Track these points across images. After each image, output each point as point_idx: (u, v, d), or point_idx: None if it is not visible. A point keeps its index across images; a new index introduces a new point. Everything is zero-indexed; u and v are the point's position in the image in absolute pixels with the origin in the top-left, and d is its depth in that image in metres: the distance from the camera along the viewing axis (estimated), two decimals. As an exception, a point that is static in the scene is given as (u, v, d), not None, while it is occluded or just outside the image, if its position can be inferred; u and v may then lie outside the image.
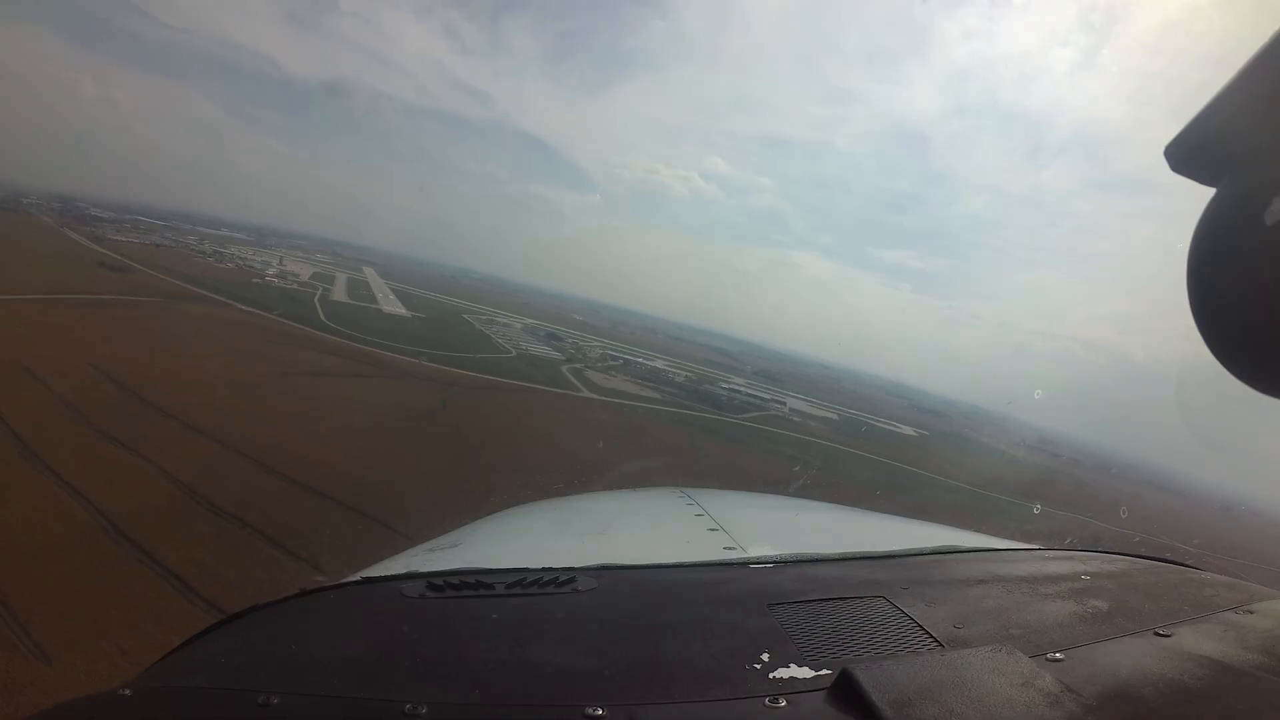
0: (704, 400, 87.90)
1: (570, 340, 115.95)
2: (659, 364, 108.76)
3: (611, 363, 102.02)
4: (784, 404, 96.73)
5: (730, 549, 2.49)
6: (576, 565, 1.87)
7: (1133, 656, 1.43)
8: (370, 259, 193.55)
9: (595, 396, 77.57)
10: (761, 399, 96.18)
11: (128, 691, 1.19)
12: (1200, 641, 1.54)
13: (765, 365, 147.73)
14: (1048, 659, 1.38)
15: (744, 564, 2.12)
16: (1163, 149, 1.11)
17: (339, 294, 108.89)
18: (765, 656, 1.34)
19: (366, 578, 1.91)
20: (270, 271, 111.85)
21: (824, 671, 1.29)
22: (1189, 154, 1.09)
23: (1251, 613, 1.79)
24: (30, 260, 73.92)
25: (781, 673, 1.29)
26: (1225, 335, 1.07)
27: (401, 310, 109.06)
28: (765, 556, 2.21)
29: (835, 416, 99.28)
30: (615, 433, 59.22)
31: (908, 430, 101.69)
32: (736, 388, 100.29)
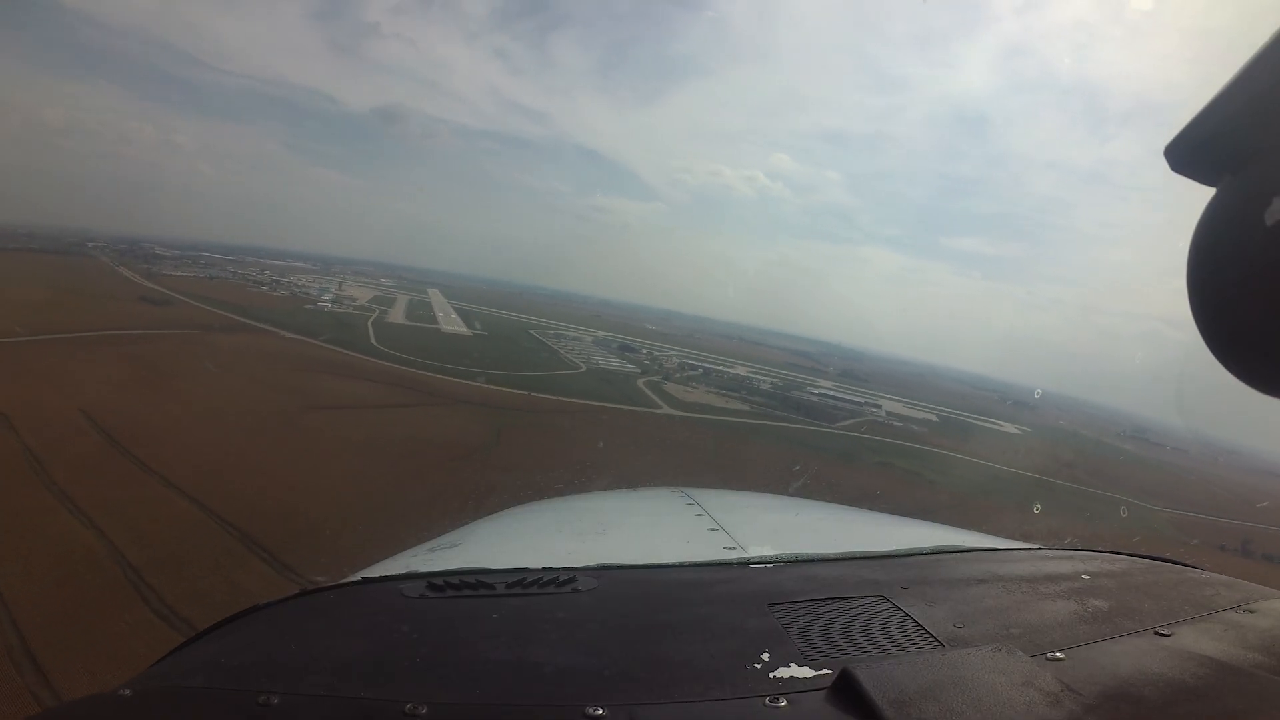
0: (796, 409, 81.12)
1: (645, 351, 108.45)
2: (740, 371, 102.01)
3: (691, 373, 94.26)
4: (879, 407, 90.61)
5: (730, 549, 2.46)
6: (576, 565, 1.85)
7: (1133, 656, 1.43)
8: (437, 281, 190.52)
9: (678, 413, 67.45)
10: (855, 403, 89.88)
11: (127, 691, 1.19)
12: (1200, 641, 1.53)
13: (847, 365, 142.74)
14: (1048, 658, 1.38)
15: (744, 564, 2.10)
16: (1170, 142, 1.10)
17: (396, 316, 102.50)
18: (765, 656, 1.34)
19: (366, 578, 1.89)
20: (326, 297, 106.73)
21: (824, 671, 1.28)
22: (1189, 154, 1.10)
23: (1251, 612, 1.78)
24: (67, 300, 69.26)
25: (781, 672, 1.28)
26: (1225, 335, 1.08)
27: (462, 329, 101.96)
28: (765, 556, 2.20)
29: (934, 418, 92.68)
30: (706, 458, 48.29)
31: (1010, 428, 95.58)
32: (826, 392, 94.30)
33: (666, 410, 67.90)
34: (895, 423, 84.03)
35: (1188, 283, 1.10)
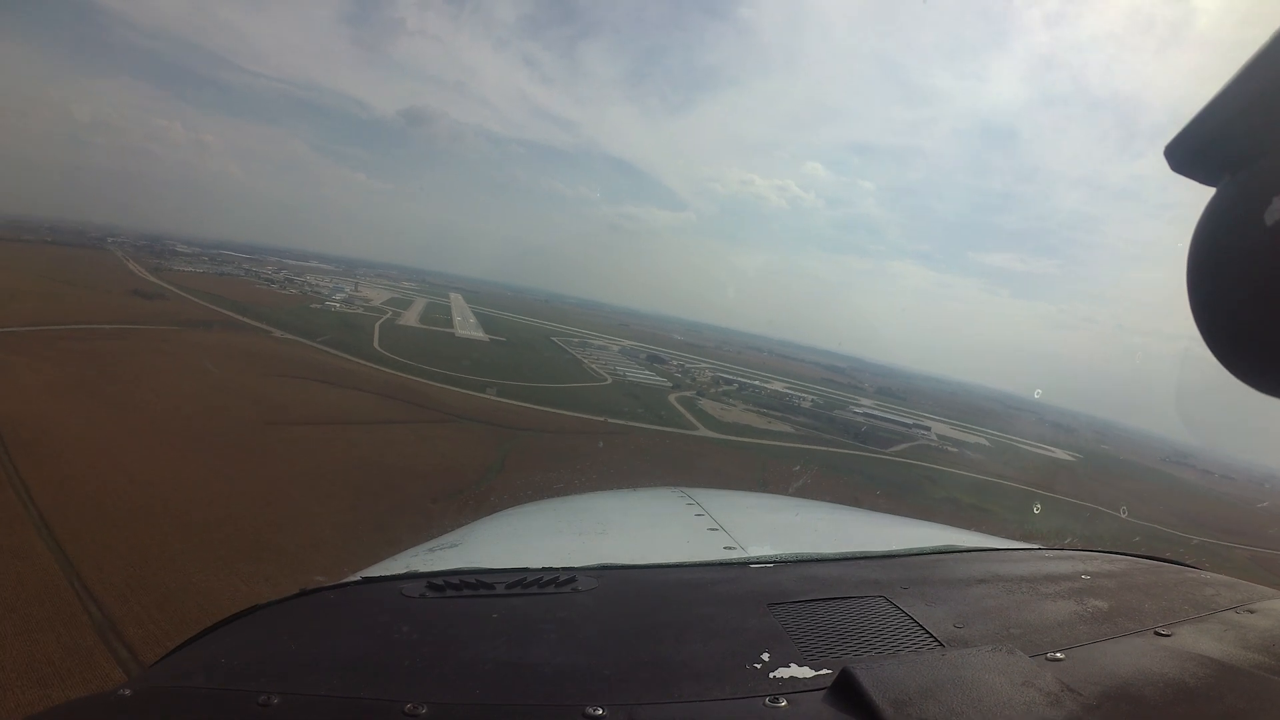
0: (842, 431, 75.38)
1: (675, 363, 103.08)
2: (778, 386, 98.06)
3: (726, 387, 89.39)
4: (928, 429, 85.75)
5: (730, 549, 2.46)
6: (576, 565, 1.86)
7: (1133, 656, 1.44)
8: (461, 286, 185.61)
9: (718, 435, 59.66)
10: (902, 424, 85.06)
11: (127, 692, 1.18)
12: (1200, 641, 1.54)
13: (883, 382, 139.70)
14: (1048, 658, 1.39)
15: (744, 564, 2.10)
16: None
17: (409, 319, 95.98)
18: (765, 656, 1.34)
19: (366, 578, 1.88)
20: (337, 297, 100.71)
21: (824, 671, 1.29)
22: (1189, 154, 1.10)
23: (1251, 612, 1.79)
24: (54, 290, 63.54)
25: (782, 672, 1.28)
26: (1225, 335, 1.07)
27: (479, 334, 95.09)
28: (765, 556, 2.20)
29: (986, 442, 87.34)
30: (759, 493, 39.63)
31: (1060, 454, 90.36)
32: (870, 412, 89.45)
33: (705, 432, 59.81)
34: (949, 448, 78.11)
35: (1188, 283, 1.10)
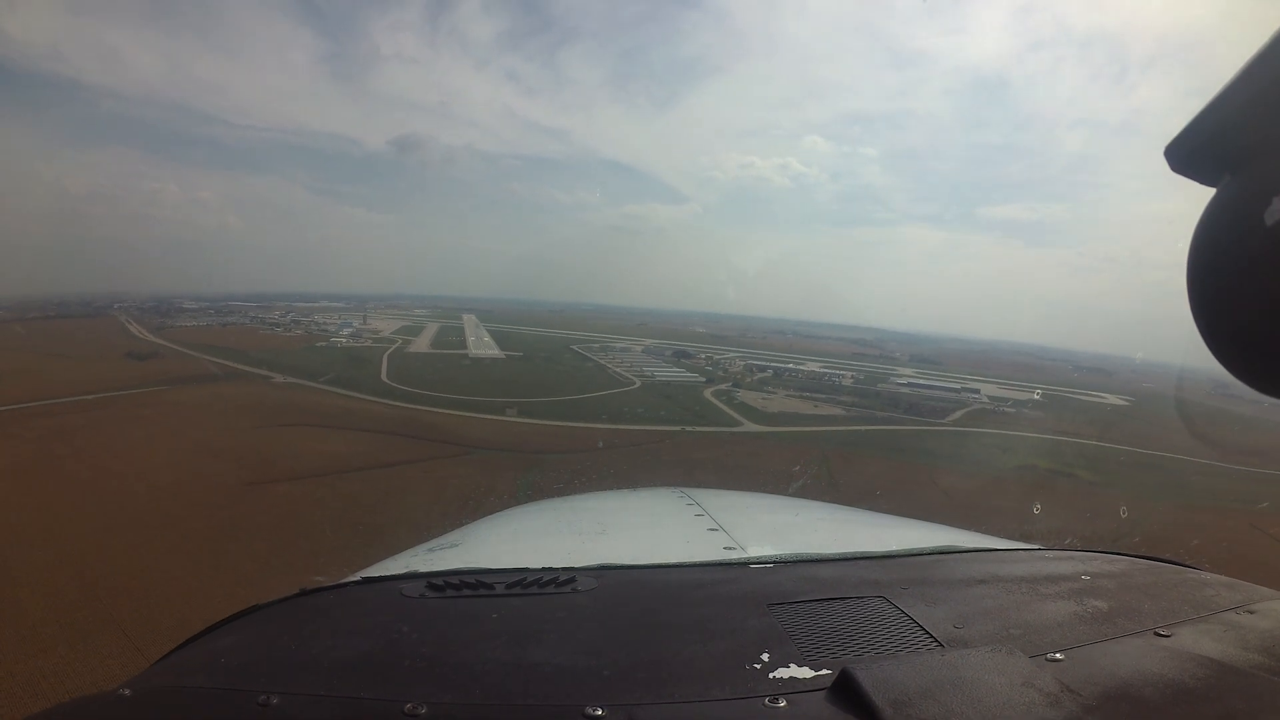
0: (892, 406, 72.40)
1: (703, 355, 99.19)
2: (812, 367, 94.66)
3: (760, 375, 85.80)
4: (977, 392, 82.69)
5: (730, 549, 2.46)
6: (576, 565, 1.88)
7: (1133, 656, 1.44)
8: (474, 308, 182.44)
9: (768, 429, 54.17)
10: (950, 390, 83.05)
11: (127, 691, 1.19)
12: (1200, 641, 1.55)
13: (913, 350, 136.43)
14: (1048, 659, 1.40)
15: (744, 564, 2.11)
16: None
17: (420, 345, 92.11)
18: (765, 656, 1.35)
19: (366, 578, 1.90)
20: (345, 332, 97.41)
21: (824, 671, 1.29)
22: (1189, 154, 1.10)
23: (1251, 613, 1.78)
24: (41, 365, 59.98)
25: (781, 673, 1.29)
26: (1225, 335, 1.07)
27: (494, 352, 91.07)
28: (765, 556, 2.21)
29: (1039, 398, 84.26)
30: (844, 494, 34.29)
31: (1114, 399, 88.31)
32: (914, 382, 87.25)
33: (752, 426, 54.50)
34: (1005, 409, 74.91)
35: (1188, 282, 1.09)
